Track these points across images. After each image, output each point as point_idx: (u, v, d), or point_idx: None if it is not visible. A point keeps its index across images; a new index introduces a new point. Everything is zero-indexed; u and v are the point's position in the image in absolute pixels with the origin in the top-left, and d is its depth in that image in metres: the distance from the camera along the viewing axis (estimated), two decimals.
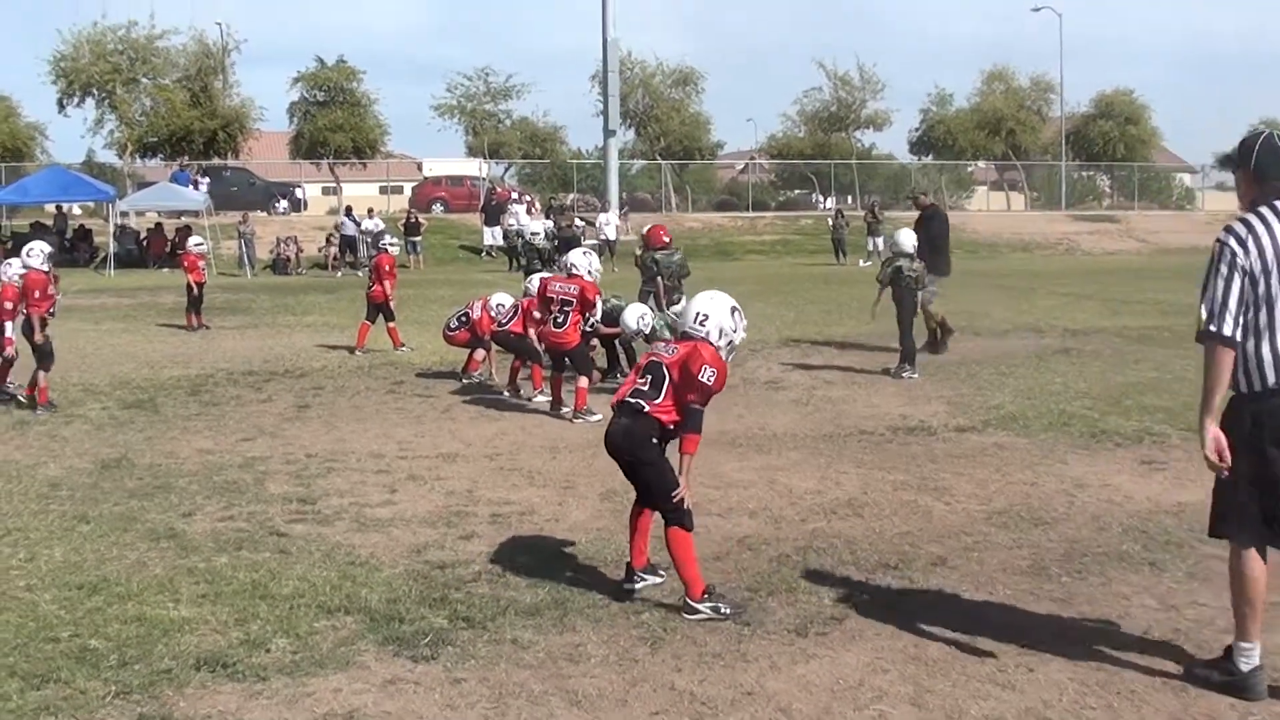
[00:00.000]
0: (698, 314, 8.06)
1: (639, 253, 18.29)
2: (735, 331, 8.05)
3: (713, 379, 7.76)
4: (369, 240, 45.43)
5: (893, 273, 17.95)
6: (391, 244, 22.36)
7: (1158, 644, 7.15)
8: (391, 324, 21.48)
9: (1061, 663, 6.87)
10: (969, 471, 11.76)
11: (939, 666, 6.84)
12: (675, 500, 7.71)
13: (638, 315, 16.12)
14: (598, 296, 15.43)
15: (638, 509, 8.23)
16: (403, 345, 21.36)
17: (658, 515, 8.02)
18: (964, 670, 6.78)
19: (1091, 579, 8.41)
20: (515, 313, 16.42)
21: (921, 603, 7.96)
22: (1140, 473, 11.61)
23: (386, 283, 21.19)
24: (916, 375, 17.54)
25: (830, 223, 50.95)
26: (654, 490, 7.88)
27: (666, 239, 18.88)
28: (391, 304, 21.36)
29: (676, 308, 16.90)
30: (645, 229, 19.73)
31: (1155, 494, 10.75)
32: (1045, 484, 11.20)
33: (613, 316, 16.84)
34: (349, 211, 49.27)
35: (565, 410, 15.11)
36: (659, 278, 18.08)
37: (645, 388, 7.92)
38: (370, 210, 49.51)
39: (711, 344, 7.88)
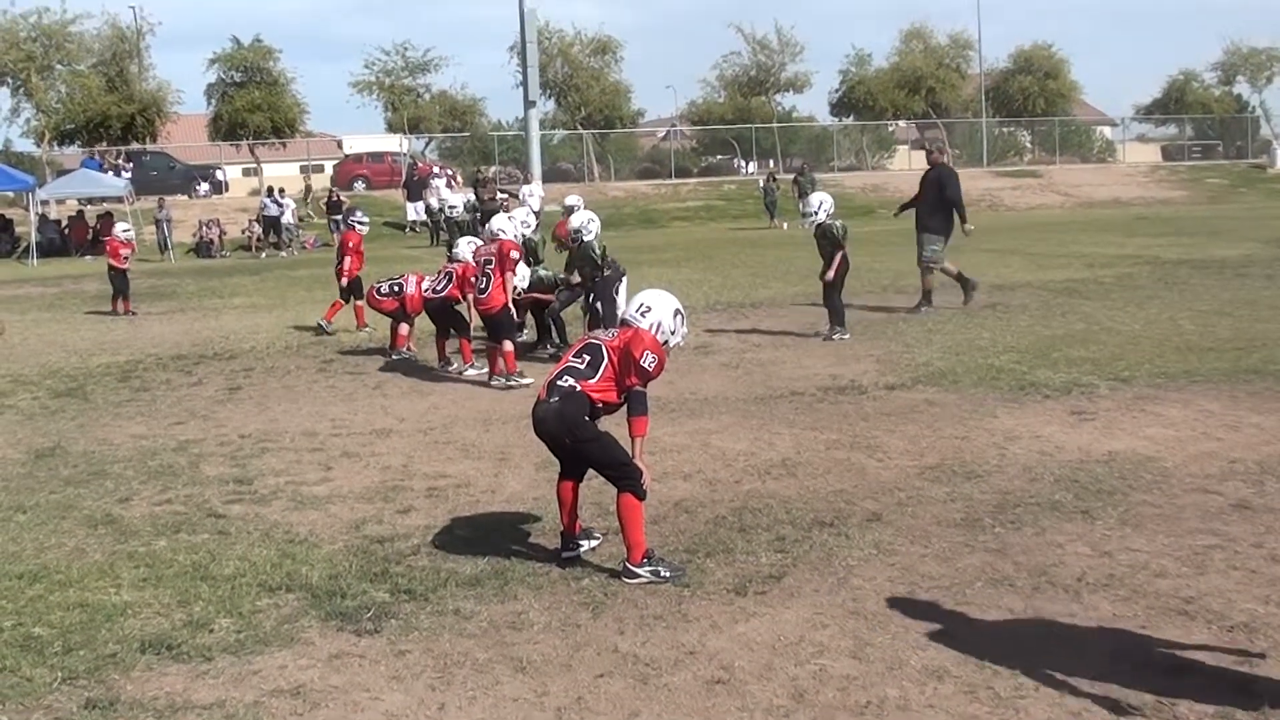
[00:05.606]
0: (641, 305, 8.16)
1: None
2: (674, 333, 8.13)
3: (653, 365, 7.84)
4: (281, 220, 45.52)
5: (822, 232, 17.96)
6: (361, 222, 22.08)
7: (1093, 589, 7.28)
8: (358, 303, 21.31)
9: (998, 612, 6.99)
10: (900, 428, 11.88)
11: (877, 620, 6.94)
12: (627, 468, 7.78)
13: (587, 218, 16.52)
14: (514, 252, 15.38)
15: (563, 481, 8.28)
16: (366, 325, 21.02)
17: (591, 483, 8.08)
18: (902, 623, 6.88)
19: (1025, 529, 8.54)
20: (450, 280, 16.30)
21: (858, 558, 8.05)
22: (1070, 423, 11.76)
23: (348, 260, 21.18)
24: (848, 336, 17.63)
25: (762, 185, 51.03)
26: (603, 464, 7.91)
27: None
28: (343, 282, 21.27)
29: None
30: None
31: (1085, 444, 10.90)
32: (976, 438, 11.33)
33: (543, 285, 16.90)
34: (270, 192, 48.84)
35: (495, 379, 15.20)
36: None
37: (580, 366, 7.96)
38: (276, 190, 49.02)
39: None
